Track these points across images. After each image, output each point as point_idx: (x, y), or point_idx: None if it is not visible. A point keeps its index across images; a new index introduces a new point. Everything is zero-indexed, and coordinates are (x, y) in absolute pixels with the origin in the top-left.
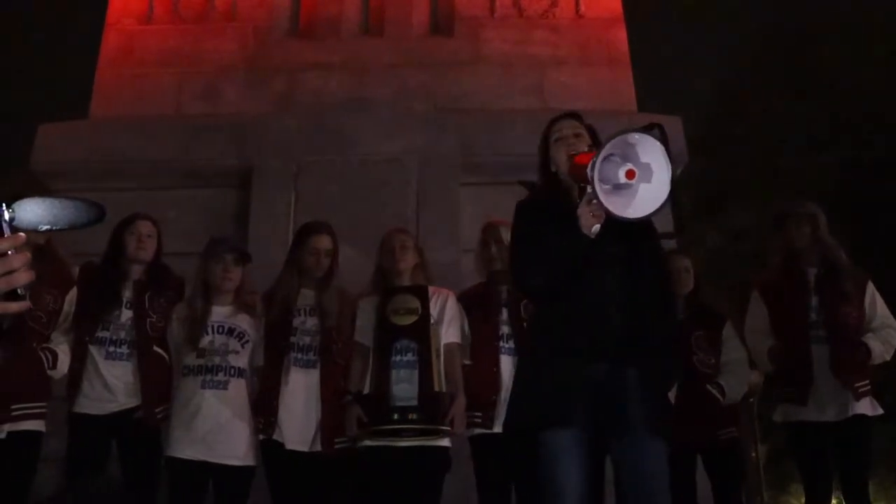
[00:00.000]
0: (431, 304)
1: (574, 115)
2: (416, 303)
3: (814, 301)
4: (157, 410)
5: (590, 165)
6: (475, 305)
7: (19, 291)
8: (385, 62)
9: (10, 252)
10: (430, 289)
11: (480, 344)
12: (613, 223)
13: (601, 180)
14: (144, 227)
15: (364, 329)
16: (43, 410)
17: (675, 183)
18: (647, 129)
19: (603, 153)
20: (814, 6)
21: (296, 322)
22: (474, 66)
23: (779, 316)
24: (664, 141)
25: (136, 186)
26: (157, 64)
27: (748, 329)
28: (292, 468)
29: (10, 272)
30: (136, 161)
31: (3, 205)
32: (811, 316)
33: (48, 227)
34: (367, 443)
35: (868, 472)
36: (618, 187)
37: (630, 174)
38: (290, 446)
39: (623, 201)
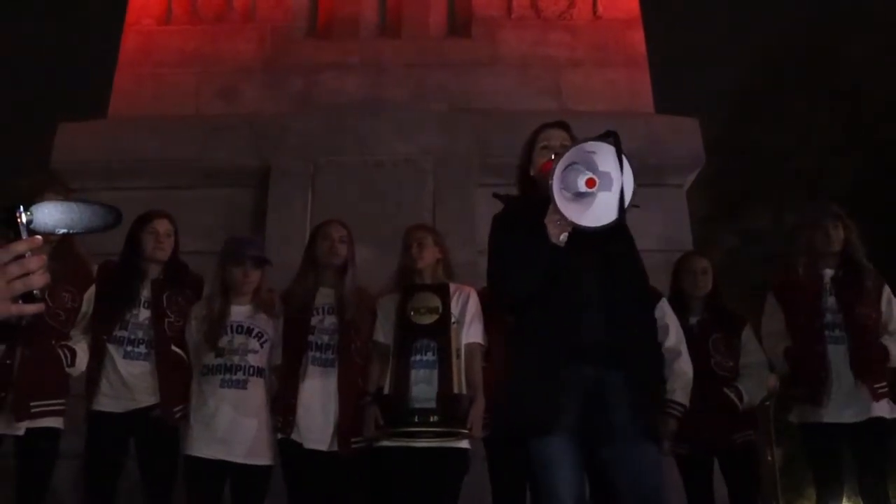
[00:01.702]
0: (453, 303)
1: (563, 126)
2: (436, 301)
3: (829, 301)
4: (175, 409)
5: (549, 174)
6: (488, 308)
7: (35, 293)
8: (402, 62)
9: (27, 254)
10: (452, 286)
11: (495, 345)
12: (582, 230)
13: (564, 188)
14: (162, 226)
15: (384, 328)
16: (62, 407)
17: (635, 192)
18: (602, 138)
19: (562, 162)
20: (833, 8)
21: (314, 321)
22: (491, 67)
23: (794, 317)
24: (619, 149)
25: (154, 185)
26: (176, 64)
27: (765, 331)
28: (310, 467)
29: (26, 274)
30: (154, 160)
31: (21, 207)
32: (826, 316)
33: (65, 230)
34: (386, 443)
35: (887, 475)
36: (579, 196)
37: (590, 183)
38: (308, 445)
39: (583, 210)
